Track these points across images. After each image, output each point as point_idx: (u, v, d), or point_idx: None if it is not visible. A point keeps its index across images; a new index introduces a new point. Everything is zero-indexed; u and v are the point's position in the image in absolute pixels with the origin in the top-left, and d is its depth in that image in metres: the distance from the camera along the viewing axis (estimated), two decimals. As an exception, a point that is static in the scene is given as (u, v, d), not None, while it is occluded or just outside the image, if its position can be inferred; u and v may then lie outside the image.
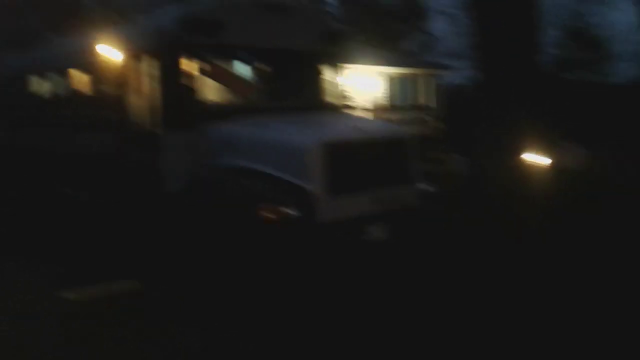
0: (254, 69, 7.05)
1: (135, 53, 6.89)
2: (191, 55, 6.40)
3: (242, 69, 7.02)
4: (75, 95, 8.35)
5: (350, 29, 34.07)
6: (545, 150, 4.40)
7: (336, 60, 7.67)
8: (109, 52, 7.15)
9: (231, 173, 5.90)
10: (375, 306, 5.47)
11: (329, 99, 7.73)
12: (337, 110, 7.71)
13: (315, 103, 7.52)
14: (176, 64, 6.33)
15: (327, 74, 7.71)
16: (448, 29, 29.92)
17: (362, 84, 18.74)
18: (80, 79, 8.25)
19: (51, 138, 8.98)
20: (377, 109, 17.85)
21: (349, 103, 8.11)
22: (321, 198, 5.51)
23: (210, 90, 6.72)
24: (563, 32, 33.41)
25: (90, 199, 7.99)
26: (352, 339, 4.89)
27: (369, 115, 16.70)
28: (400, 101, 21.22)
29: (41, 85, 9.27)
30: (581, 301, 5.35)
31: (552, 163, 4.16)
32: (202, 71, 6.53)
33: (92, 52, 7.53)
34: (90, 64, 7.75)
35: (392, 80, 20.90)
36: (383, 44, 32.04)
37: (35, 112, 9.52)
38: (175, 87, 6.36)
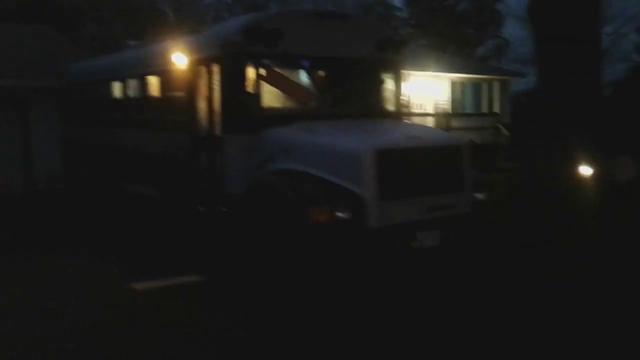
0: (313, 76, 7.28)
1: (201, 60, 7.26)
2: (252, 63, 6.71)
3: (301, 76, 7.28)
4: (146, 98, 8.87)
5: (418, 33, 33.92)
6: (596, 162, 4.35)
7: (394, 67, 7.77)
8: (179, 59, 7.57)
9: (285, 176, 6.13)
10: (422, 313, 5.53)
11: (387, 105, 7.85)
12: (395, 117, 7.81)
13: (373, 110, 7.66)
14: (238, 71, 6.65)
15: (386, 81, 7.83)
16: (522, 34, 29.22)
17: (426, 90, 18.65)
18: (151, 83, 8.77)
19: (121, 137, 9.56)
20: (441, 116, 17.67)
21: (408, 110, 8.17)
22: (372, 203, 5.63)
23: (270, 97, 7.00)
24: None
25: (156, 196, 8.46)
26: (397, 344, 4.98)
27: (431, 122, 16.60)
28: (466, 108, 20.96)
29: (117, 88, 9.88)
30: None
31: (600, 175, 4.10)
32: (263, 78, 6.83)
33: (164, 59, 8.00)
34: (161, 70, 8.22)
35: (458, 86, 20.67)
36: (452, 49, 31.65)
37: (110, 113, 10.15)
38: (236, 93, 6.67)
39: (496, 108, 21.40)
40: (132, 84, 9.33)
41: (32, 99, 13.20)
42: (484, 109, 21.41)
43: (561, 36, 6.41)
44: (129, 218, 9.54)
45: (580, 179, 4.41)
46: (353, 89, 7.51)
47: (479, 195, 6.41)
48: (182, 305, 5.90)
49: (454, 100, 20.30)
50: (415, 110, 17.42)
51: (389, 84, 7.78)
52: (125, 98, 9.53)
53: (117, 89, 9.85)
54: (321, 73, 7.37)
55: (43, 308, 5.91)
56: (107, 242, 8.61)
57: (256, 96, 6.77)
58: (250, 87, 6.76)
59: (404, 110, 8.06)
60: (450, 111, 19.09)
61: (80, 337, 5.16)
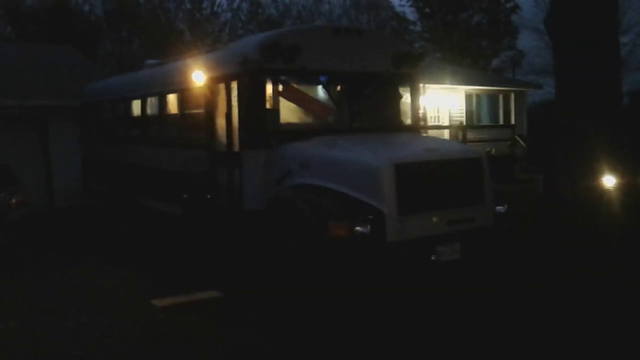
0: (330, 91, 7.31)
1: (219, 77, 7.32)
2: (270, 79, 6.76)
3: (318, 92, 7.31)
4: (165, 116, 8.96)
5: (433, 47, 33.96)
6: (620, 172, 4.28)
7: (411, 81, 7.78)
8: (197, 77, 7.64)
9: (304, 190, 6.13)
10: (443, 327, 5.48)
11: (404, 119, 7.84)
12: (412, 130, 7.80)
13: (390, 124, 7.67)
14: (256, 88, 6.70)
15: (403, 95, 7.83)
16: (537, 46, 29.09)
17: (441, 103, 18.62)
18: (170, 101, 8.86)
19: (139, 154, 9.65)
20: (456, 128, 17.61)
21: (425, 123, 8.15)
22: (391, 217, 5.61)
23: (288, 112, 7.04)
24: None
25: (175, 213, 8.51)
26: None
27: (448, 135, 16.54)
28: (482, 120, 20.89)
29: (136, 106, 9.99)
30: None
31: (623, 185, 4.04)
32: (281, 94, 6.87)
33: (182, 77, 8.09)
34: (179, 87, 8.30)
35: (474, 99, 20.63)
36: (466, 61, 31.63)
37: (129, 130, 10.27)
38: (254, 109, 6.71)
39: (512, 120, 21.28)
40: (151, 101, 9.43)
41: (52, 117, 13.44)
42: (501, 120, 21.31)
43: (579, 45, 6.39)
44: (148, 234, 9.60)
45: (603, 190, 4.35)
46: (370, 103, 7.51)
47: (500, 208, 6.35)
48: (201, 321, 5.92)
49: (469, 113, 20.24)
50: (430, 123, 17.37)
51: (406, 98, 7.78)
52: (144, 116, 9.63)
53: (135, 106, 9.97)
54: (338, 88, 7.40)
55: (65, 324, 5.97)
56: (127, 259, 8.67)
57: (274, 112, 6.80)
58: (268, 103, 6.80)
59: (421, 123, 8.01)
60: (465, 123, 19.01)
61: (101, 354, 5.20)
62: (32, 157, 13.15)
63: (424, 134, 8.47)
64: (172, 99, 8.74)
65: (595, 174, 5.59)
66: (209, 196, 7.32)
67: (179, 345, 5.32)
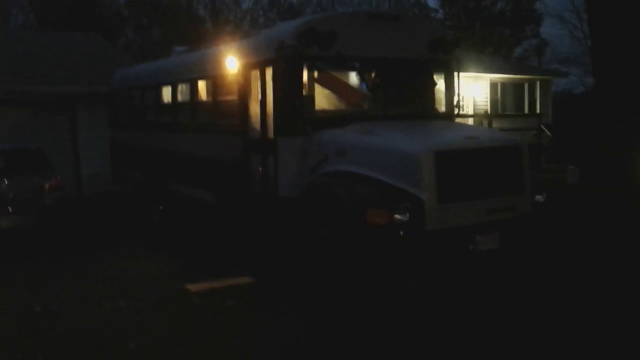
0: (366, 77, 7.24)
1: (254, 64, 7.29)
2: (306, 66, 6.70)
3: (354, 78, 7.25)
4: (197, 102, 8.94)
5: (457, 34, 33.59)
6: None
7: (448, 67, 7.66)
8: (231, 63, 7.60)
9: (341, 177, 6.10)
10: (481, 316, 5.44)
11: (440, 106, 7.75)
12: (447, 118, 7.72)
13: (426, 111, 7.58)
14: (292, 74, 6.64)
15: (439, 81, 7.72)
16: (561, 33, 28.64)
17: (466, 92, 18.42)
18: (202, 88, 8.85)
19: (170, 141, 9.67)
20: (482, 117, 17.42)
21: (459, 110, 8.02)
22: (430, 205, 5.56)
23: (323, 99, 6.99)
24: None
25: (207, 199, 8.53)
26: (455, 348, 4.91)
27: (476, 123, 16.37)
28: (507, 109, 20.65)
29: (166, 93, 10.00)
30: None
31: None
32: (316, 80, 6.82)
33: (215, 63, 8.06)
34: (212, 74, 8.28)
35: (499, 87, 20.38)
36: (489, 49, 31.21)
37: (159, 117, 10.30)
38: (290, 95, 6.67)
39: (538, 109, 21.01)
40: (182, 88, 9.42)
41: (80, 103, 13.53)
42: (526, 109, 21.05)
43: (618, 30, 6.23)
44: (180, 220, 9.66)
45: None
46: (406, 90, 7.43)
47: (539, 197, 6.27)
48: (234, 306, 5.95)
49: (494, 101, 20.01)
50: (463, 111, 17.18)
51: (441, 84, 7.68)
52: (174, 102, 9.63)
53: (166, 93, 9.96)
54: (374, 74, 7.32)
55: (102, 308, 6.05)
56: (160, 244, 8.75)
57: (310, 98, 6.75)
58: (303, 90, 6.74)
59: (457, 110, 7.86)
60: (490, 112, 18.81)
61: (139, 337, 5.25)
62: (61, 143, 13.26)
63: (461, 122, 8.35)
64: (204, 85, 8.72)
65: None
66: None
67: (212, 329, 5.36)
